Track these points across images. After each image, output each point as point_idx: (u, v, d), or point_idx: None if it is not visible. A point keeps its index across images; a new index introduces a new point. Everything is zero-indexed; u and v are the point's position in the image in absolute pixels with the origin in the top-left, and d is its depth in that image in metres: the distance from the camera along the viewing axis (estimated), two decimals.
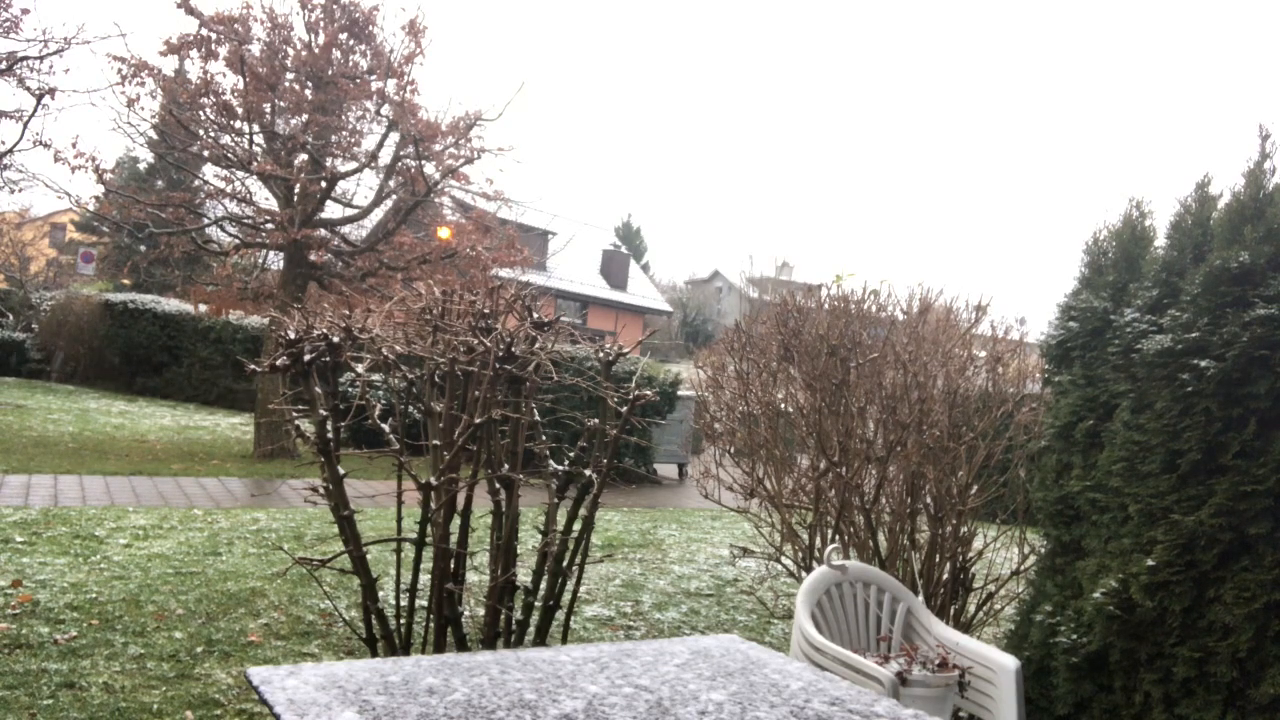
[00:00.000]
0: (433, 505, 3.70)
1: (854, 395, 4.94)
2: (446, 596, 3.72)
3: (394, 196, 12.25)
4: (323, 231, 11.93)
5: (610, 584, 6.55)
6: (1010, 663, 3.34)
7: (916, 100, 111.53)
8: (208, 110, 11.15)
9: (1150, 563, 3.11)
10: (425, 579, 3.82)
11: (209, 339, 17.86)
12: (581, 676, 2.06)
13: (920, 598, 3.97)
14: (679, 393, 12.93)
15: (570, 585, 3.94)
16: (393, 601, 4.37)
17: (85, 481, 8.53)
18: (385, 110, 11.89)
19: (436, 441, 3.75)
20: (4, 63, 12.17)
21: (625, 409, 3.82)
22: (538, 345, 3.83)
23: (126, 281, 21.50)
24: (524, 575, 3.98)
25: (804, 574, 4.90)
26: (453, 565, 3.76)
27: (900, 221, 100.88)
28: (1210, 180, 3.51)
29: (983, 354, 5.29)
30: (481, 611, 4.15)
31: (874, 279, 5.58)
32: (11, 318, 20.90)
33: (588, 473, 3.86)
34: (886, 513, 4.95)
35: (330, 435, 3.72)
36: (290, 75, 11.53)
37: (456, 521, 3.78)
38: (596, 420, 3.94)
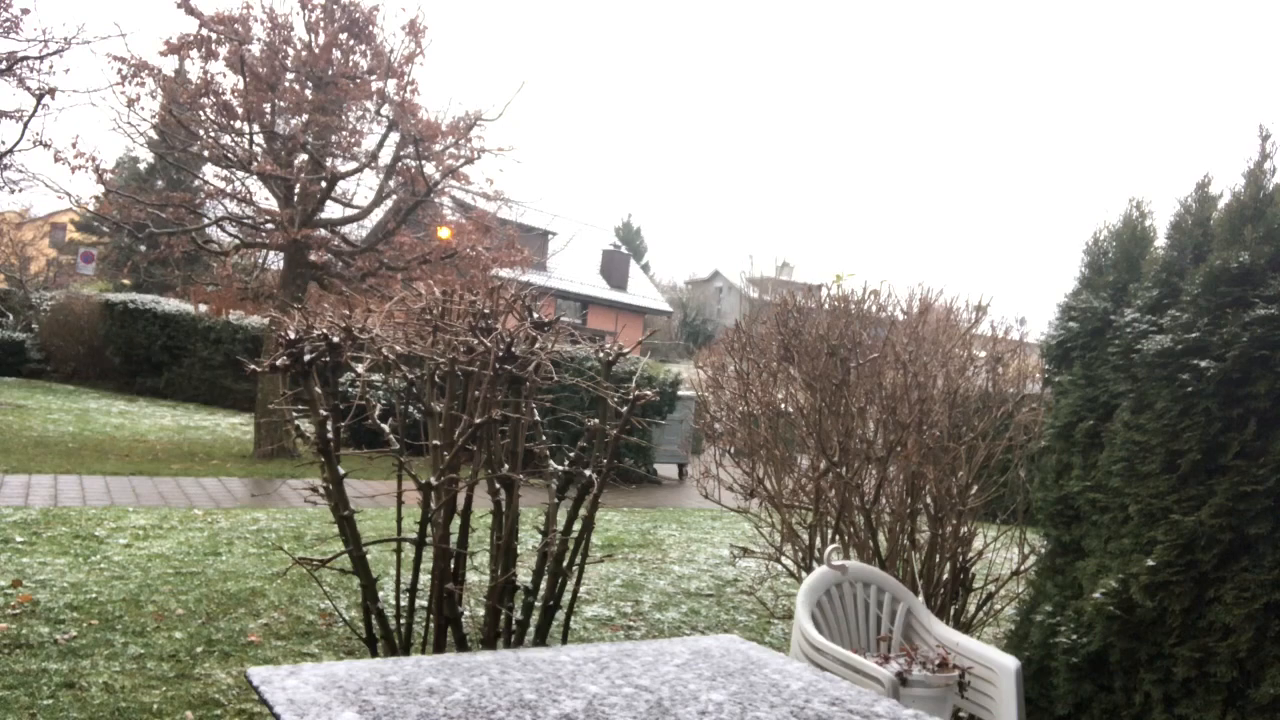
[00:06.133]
0: (433, 505, 3.70)
1: (854, 395, 4.94)
2: (446, 596, 3.72)
3: (394, 196, 12.26)
4: (323, 231, 11.93)
5: (610, 584, 6.55)
6: (1010, 663, 3.34)
7: (916, 100, 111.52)
8: (208, 110, 11.15)
9: (1150, 563, 3.11)
10: (425, 579, 3.82)
11: (209, 339, 17.86)
12: (581, 676, 2.06)
13: (920, 598, 3.96)
14: (679, 393, 12.92)
15: (570, 585, 3.94)
16: (393, 601, 4.37)
17: (85, 481, 8.53)
18: (385, 110, 11.90)
19: (436, 441, 3.75)
20: (4, 63, 12.17)
21: (625, 409, 3.82)
22: (538, 345, 3.83)
23: (126, 281, 21.53)
24: (524, 575, 3.98)
25: (804, 574, 4.90)
26: (453, 565, 3.76)
27: (900, 221, 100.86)
28: (1210, 180, 3.51)
29: (983, 354, 5.29)
30: (481, 611, 4.15)
31: (874, 279, 5.58)
32: (11, 318, 20.90)
33: (588, 473, 3.86)
34: (886, 513, 4.95)
35: (330, 435, 3.72)
36: (290, 75, 11.53)
37: (456, 521, 3.79)
38: (596, 420, 3.94)
